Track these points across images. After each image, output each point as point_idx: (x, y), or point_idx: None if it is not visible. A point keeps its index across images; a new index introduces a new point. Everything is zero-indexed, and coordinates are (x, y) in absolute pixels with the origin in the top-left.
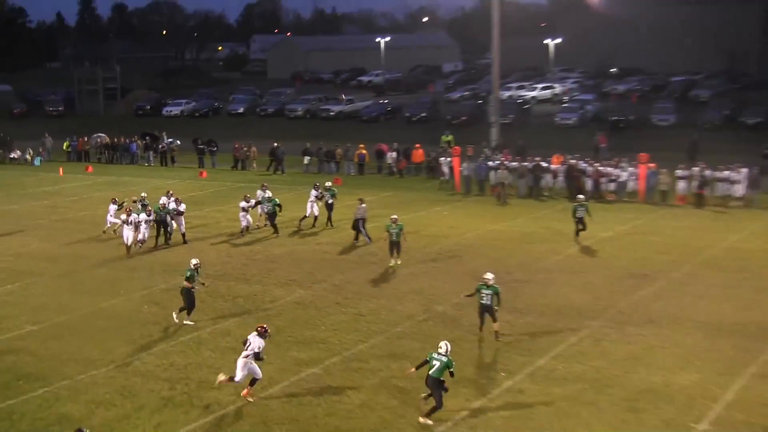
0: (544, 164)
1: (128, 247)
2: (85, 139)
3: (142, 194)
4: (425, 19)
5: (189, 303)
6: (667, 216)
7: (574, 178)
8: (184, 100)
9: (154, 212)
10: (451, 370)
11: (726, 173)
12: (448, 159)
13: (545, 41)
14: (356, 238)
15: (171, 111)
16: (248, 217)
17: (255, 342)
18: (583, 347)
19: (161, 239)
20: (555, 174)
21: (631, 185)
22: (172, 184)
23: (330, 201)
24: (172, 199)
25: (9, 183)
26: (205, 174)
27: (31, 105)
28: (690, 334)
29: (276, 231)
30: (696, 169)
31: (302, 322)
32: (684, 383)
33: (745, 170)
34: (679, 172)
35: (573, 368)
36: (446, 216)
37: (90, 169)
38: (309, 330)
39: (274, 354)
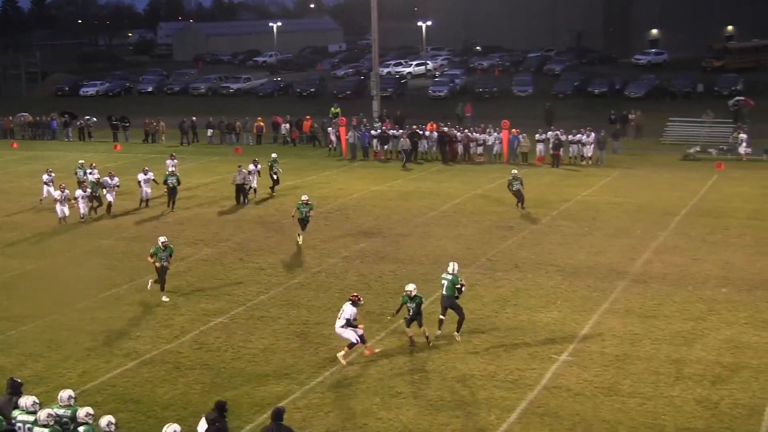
0: (420, 132)
1: (60, 219)
2: (10, 118)
3: (92, 163)
4: (312, 6)
5: (161, 279)
6: (528, 174)
7: (447, 144)
8: (98, 82)
9: (90, 188)
10: (458, 285)
11: (578, 136)
12: (336, 129)
13: (418, 23)
14: (240, 201)
15: (87, 91)
16: (147, 189)
17: (348, 310)
18: None
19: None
20: (429, 140)
21: (496, 148)
22: (90, 157)
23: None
24: (95, 171)
25: None
26: (119, 147)
27: None
28: (551, 277)
29: (172, 206)
30: (551, 133)
31: (209, 276)
32: (546, 320)
33: (593, 134)
34: (537, 136)
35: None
36: (335, 179)
37: (15, 145)
38: (216, 284)
39: (185, 306)
